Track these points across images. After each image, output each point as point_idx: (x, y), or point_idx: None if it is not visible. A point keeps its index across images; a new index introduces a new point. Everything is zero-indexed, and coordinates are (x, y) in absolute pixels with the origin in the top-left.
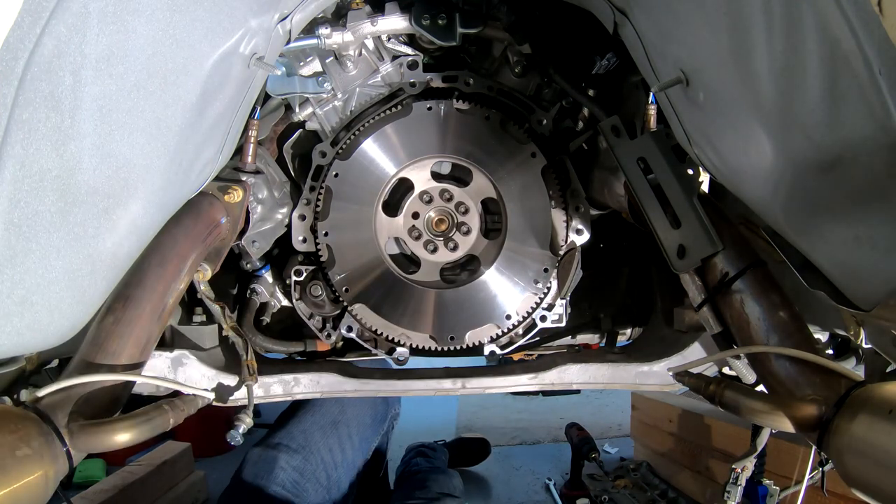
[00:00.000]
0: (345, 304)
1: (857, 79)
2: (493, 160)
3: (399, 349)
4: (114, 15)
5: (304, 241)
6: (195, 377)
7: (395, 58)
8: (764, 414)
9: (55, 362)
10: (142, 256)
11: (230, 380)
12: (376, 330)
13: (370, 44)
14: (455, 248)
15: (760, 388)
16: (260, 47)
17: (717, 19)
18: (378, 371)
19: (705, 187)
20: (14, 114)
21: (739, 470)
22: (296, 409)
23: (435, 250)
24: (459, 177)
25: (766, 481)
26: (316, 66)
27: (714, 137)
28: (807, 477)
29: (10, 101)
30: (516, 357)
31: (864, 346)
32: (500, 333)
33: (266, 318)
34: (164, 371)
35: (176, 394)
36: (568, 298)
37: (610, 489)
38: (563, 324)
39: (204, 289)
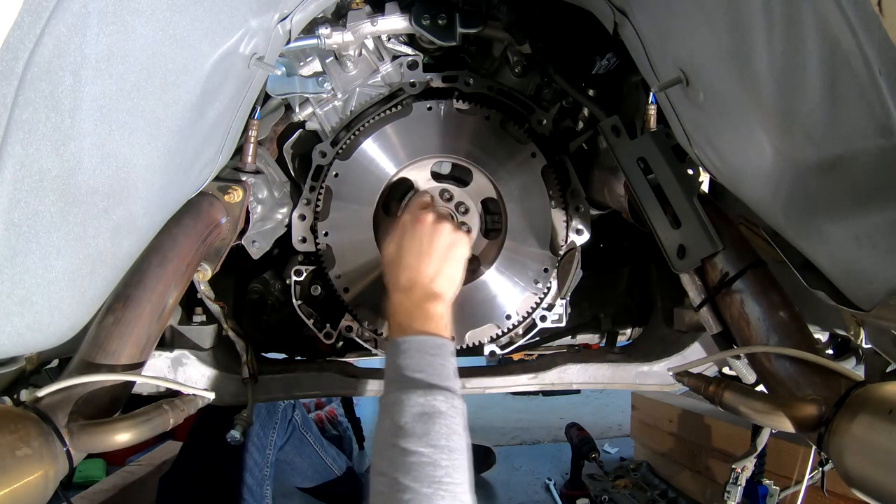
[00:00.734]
0: (345, 303)
1: (857, 79)
2: (493, 160)
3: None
4: (114, 15)
5: (304, 241)
6: (195, 377)
7: (395, 58)
8: (764, 414)
9: (55, 362)
10: (142, 256)
11: (230, 380)
12: (376, 330)
13: (370, 44)
14: None
15: (760, 388)
16: (260, 47)
17: (717, 19)
18: (378, 371)
19: (705, 187)
20: (14, 114)
21: (739, 470)
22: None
23: None
24: (459, 177)
25: (766, 481)
26: (316, 66)
27: (714, 137)
28: (807, 477)
29: (10, 101)
30: (516, 357)
31: (864, 346)
32: (499, 333)
33: (266, 318)
34: (164, 371)
35: (176, 394)
36: (568, 298)
37: (610, 489)
38: (563, 324)
39: (204, 289)
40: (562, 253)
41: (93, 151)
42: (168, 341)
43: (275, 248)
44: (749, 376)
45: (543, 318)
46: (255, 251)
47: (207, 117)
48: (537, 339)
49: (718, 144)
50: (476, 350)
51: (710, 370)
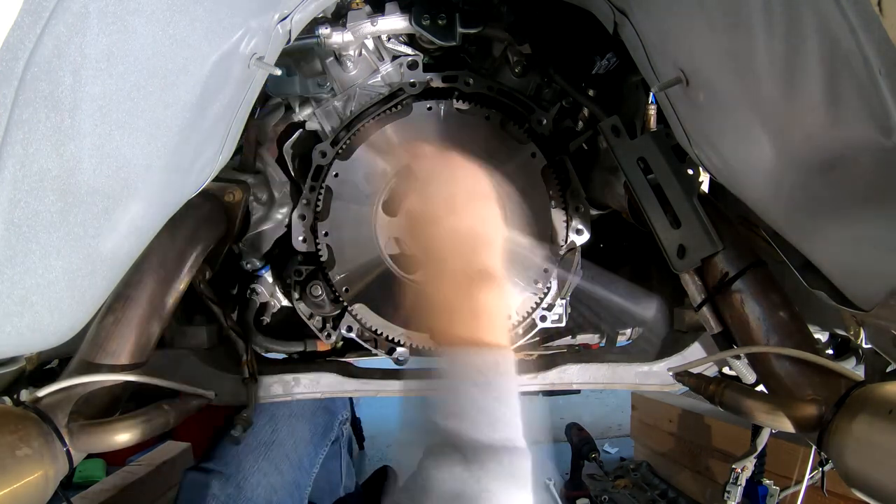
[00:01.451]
0: (345, 303)
1: (857, 79)
2: (492, 160)
3: (399, 349)
4: (114, 15)
5: (304, 241)
6: (195, 377)
7: (395, 58)
8: (764, 414)
9: (55, 362)
10: (142, 256)
11: (230, 380)
12: (376, 330)
13: (370, 44)
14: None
15: (760, 388)
16: (260, 47)
17: (717, 19)
18: (378, 371)
19: (705, 187)
20: (14, 114)
21: (739, 470)
22: (229, 425)
23: None
24: None
25: (766, 481)
26: (316, 66)
27: (714, 137)
28: (807, 477)
29: (10, 101)
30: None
31: (864, 346)
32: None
33: (266, 318)
34: (164, 371)
35: (176, 394)
36: (568, 298)
37: (610, 489)
38: (563, 324)
39: (204, 289)
40: (562, 253)
41: (93, 151)
42: (168, 341)
43: (275, 248)
44: (749, 376)
45: (543, 319)
46: (256, 251)
47: (207, 117)
48: (537, 339)
49: (718, 144)
50: None
51: (710, 370)
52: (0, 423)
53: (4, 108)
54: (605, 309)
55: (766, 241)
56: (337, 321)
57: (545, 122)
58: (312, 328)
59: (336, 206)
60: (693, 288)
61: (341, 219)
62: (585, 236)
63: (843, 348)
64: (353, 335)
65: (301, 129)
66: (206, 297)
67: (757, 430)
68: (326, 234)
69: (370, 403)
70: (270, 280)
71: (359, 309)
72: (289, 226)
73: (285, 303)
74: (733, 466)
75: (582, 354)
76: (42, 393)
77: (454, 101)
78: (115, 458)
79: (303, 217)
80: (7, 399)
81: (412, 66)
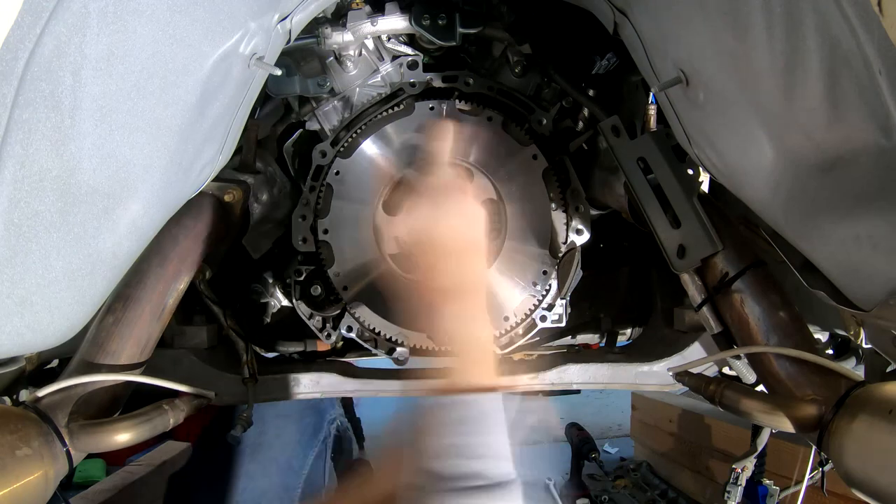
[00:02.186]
0: (344, 303)
1: (857, 79)
2: (494, 161)
3: (399, 349)
4: (114, 15)
5: (304, 241)
6: (195, 377)
7: (395, 58)
8: (764, 414)
9: (55, 362)
10: (142, 256)
11: (230, 380)
12: (376, 330)
13: (370, 44)
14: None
15: (760, 388)
16: (260, 47)
17: (717, 19)
18: (377, 371)
19: (705, 187)
20: (14, 114)
21: (739, 470)
22: (216, 426)
23: None
24: None
25: (766, 481)
26: (316, 66)
27: (714, 137)
28: (807, 477)
29: (10, 101)
30: (516, 357)
31: (864, 346)
32: (497, 335)
33: (266, 318)
34: (164, 371)
35: (176, 394)
36: (568, 298)
37: (610, 489)
38: (563, 324)
39: (204, 289)
40: (562, 253)
41: (93, 151)
42: (168, 341)
43: (275, 248)
44: (749, 376)
45: (543, 319)
46: (256, 251)
47: (207, 117)
48: (537, 339)
49: (718, 144)
50: None
51: (710, 370)
52: (0, 423)
53: (4, 108)
54: None
55: (766, 241)
56: (337, 321)
57: (545, 122)
58: (312, 328)
59: (336, 204)
60: (693, 288)
61: (341, 217)
62: (585, 236)
63: (843, 348)
64: (352, 335)
65: (301, 129)
66: (206, 297)
67: (757, 430)
68: (326, 233)
69: (370, 403)
70: (270, 280)
71: (358, 308)
72: (289, 226)
73: (285, 303)
74: (733, 466)
75: (582, 354)
76: (42, 393)
77: (455, 101)
78: (115, 458)
79: (303, 217)
80: (7, 399)
81: (412, 66)
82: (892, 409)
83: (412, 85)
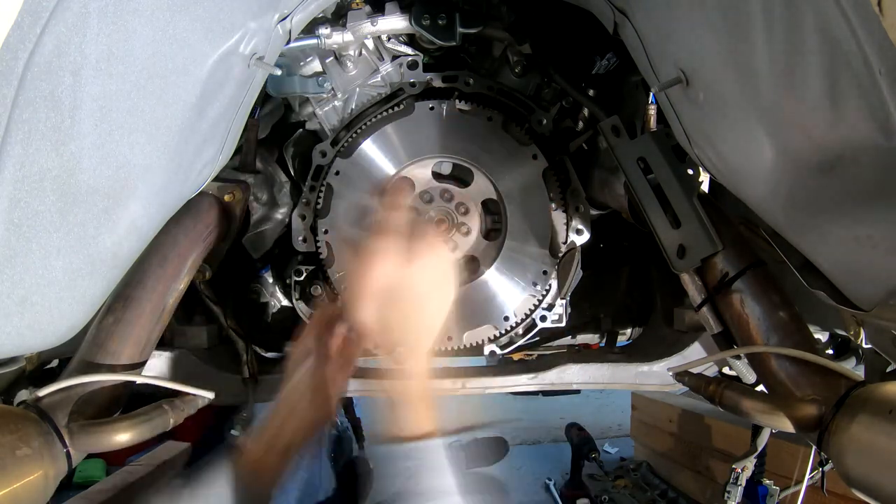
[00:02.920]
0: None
1: (857, 79)
2: (494, 161)
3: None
4: (114, 15)
5: (305, 240)
6: (195, 377)
7: (395, 58)
8: (764, 414)
9: (55, 362)
10: (142, 256)
11: (230, 380)
12: None
13: (370, 44)
14: (454, 249)
15: (760, 388)
16: (260, 47)
17: (717, 19)
18: (378, 371)
19: (705, 187)
20: (14, 114)
21: (739, 470)
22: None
23: None
24: (460, 177)
25: (766, 481)
26: (316, 66)
27: (714, 137)
28: (807, 477)
29: (10, 101)
30: (516, 357)
31: (864, 346)
32: (497, 335)
33: (266, 318)
34: (164, 371)
35: (176, 394)
36: (568, 298)
37: (610, 489)
38: (563, 324)
39: (204, 289)
40: (562, 253)
41: (93, 151)
42: (168, 341)
43: (275, 248)
44: (749, 376)
45: (543, 318)
46: (256, 251)
47: (207, 117)
48: (537, 339)
49: (718, 144)
50: (476, 350)
51: (710, 370)
52: (0, 423)
53: (4, 108)
54: None
55: (766, 241)
56: None
57: (545, 122)
58: None
59: (337, 203)
60: (693, 288)
61: (342, 216)
62: (585, 236)
63: (843, 348)
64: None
65: (301, 129)
66: (206, 297)
67: (757, 430)
68: (326, 232)
69: (370, 404)
70: (270, 280)
71: None
72: (289, 226)
73: (285, 303)
74: (733, 466)
75: (582, 354)
76: (42, 393)
77: (455, 101)
78: (115, 458)
79: (303, 217)
80: (7, 399)
81: (412, 66)
82: (892, 409)
83: (412, 85)
